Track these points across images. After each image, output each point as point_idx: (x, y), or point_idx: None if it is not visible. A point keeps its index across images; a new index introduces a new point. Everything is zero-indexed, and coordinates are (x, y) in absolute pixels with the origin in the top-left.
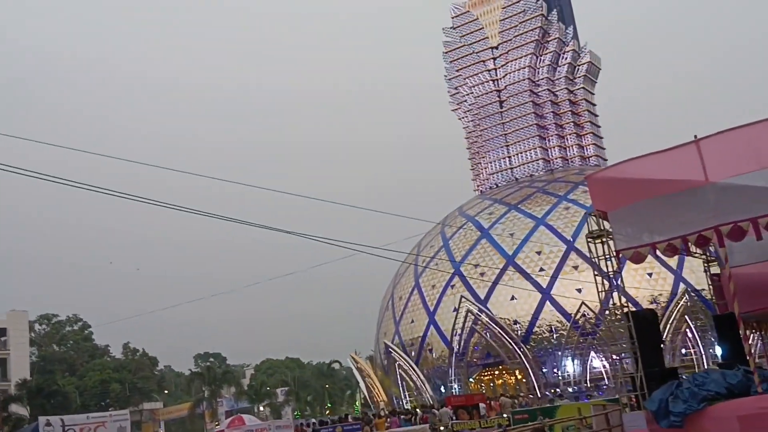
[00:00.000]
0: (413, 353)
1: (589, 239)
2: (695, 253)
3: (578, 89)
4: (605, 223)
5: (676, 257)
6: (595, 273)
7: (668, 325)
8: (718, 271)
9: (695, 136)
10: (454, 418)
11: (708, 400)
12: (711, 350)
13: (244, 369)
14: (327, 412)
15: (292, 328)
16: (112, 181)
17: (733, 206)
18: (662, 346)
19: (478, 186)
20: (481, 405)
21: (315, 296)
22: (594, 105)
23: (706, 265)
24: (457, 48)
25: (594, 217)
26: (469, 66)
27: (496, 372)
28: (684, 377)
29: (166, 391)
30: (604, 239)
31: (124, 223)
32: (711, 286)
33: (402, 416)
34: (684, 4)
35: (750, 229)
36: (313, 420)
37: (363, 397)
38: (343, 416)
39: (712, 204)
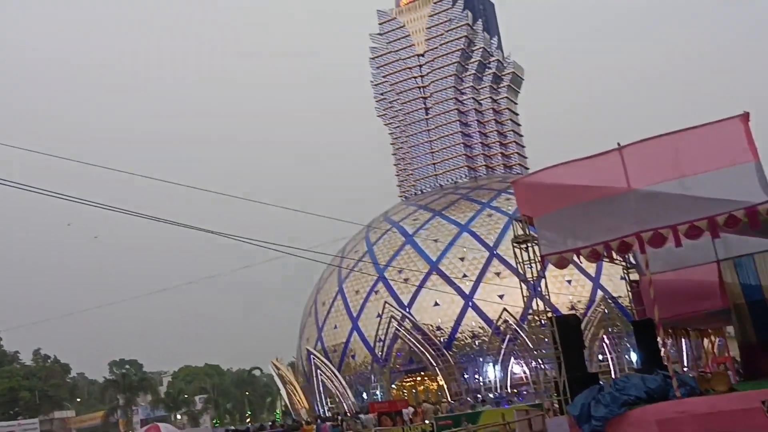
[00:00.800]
0: (336, 359)
1: (514, 244)
2: (616, 259)
3: (502, 98)
4: (530, 228)
5: (594, 265)
6: (520, 278)
7: (586, 331)
8: (638, 278)
9: (618, 144)
10: (377, 424)
11: (629, 404)
12: (626, 356)
13: (162, 376)
14: (248, 420)
15: (211, 333)
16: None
17: (653, 213)
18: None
19: (403, 192)
20: (404, 411)
21: (235, 301)
22: (517, 114)
23: (625, 271)
24: (384, 54)
25: (519, 222)
26: (396, 72)
27: (418, 378)
28: (603, 382)
29: (78, 400)
30: (529, 244)
31: (30, 221)
32: (630, 293)
33: (329, 422)
34: (607, 17)
35: (670, 236)
36: (232, 428)
37: (284, 404)
38: (270, 423)
39: (633, 211)
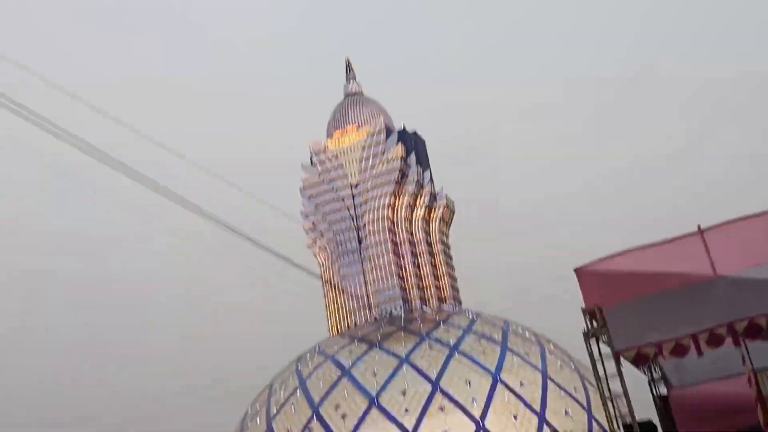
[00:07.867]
0: None
1: (587, 340)
2: (641, 370)
3: (434, 231)
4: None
5: (539, 400)
6: (596, 377)
7: None
8: (665, 392)
9: (699, 227)
10: None
11: None
12: None
13: None
14: None
15: None
16: None
17: (747, 301)
18: None
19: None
20: None
21: None
22: (449, 247)
23: (651, 383)
24: (317, 184)
25: (587, 315)
26: (329, 203)
27: None
28: None
29: None
30: (601, 338)
31: None
32: (657, 410)
33: None
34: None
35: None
36: None
37: None
38: None
39: (723, 299)
